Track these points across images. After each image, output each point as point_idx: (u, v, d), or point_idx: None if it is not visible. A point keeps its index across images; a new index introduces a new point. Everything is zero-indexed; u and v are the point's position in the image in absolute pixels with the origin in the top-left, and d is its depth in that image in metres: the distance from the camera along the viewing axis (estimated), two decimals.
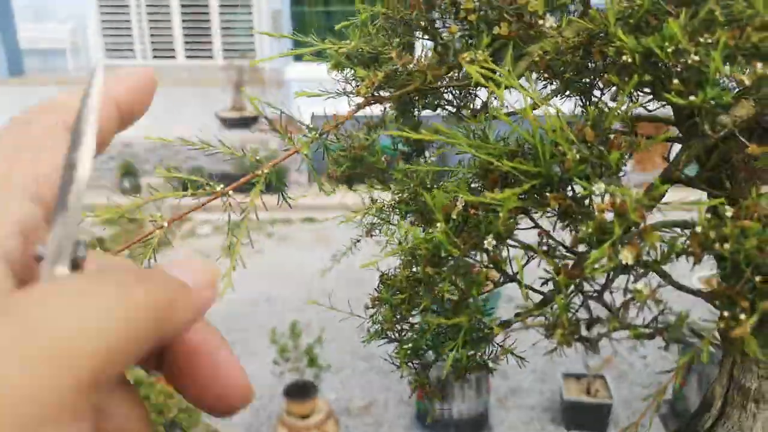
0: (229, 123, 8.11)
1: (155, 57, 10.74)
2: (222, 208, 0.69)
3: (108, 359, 0.27)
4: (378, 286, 0.58)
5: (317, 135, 0.58)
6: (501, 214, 0.47)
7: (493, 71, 0.52)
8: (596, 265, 0.42)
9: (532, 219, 0.51)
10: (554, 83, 0.62)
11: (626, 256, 0.41)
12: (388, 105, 0.93)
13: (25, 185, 0.36)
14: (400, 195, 0.78)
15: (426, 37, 0.61)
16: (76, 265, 0.32)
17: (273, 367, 3.88)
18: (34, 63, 9.92)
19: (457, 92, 0.79)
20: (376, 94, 0.60)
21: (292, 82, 8.05)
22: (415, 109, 0.84)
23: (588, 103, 0.62)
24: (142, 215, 0.71)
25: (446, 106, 0.84)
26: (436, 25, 0.61)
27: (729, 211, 0.45)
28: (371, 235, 0.86)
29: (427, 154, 1.05)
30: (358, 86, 0.59)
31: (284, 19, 9.97)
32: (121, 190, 7.28)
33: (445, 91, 0.83)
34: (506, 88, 0.51)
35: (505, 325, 0.49)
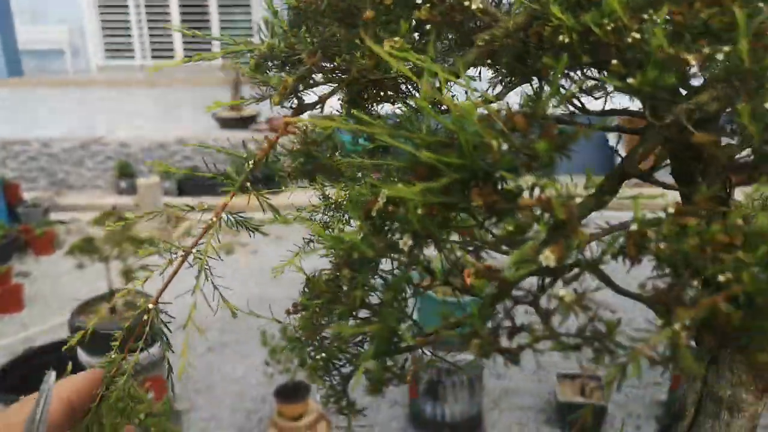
0: (227, 123, 8.06)
1: (154, 57, 10.71)
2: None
3: None
4: (303, 290, 0.53)
5: (273, 141, 0.54)
6: (419, 211, 0.42)
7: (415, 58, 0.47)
8: (516, 268, 0.37)
9: (454, 224, 0.46)
10: (499, 72, 0.57)
11: (547, 257, 0.36)
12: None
13: None
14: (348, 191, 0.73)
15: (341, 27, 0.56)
16: None
17: (264, 369, 3.83)
18: (32, 64, 9.88)
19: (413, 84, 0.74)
20: (302, 100, 0.55)
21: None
22: (367, 103, 0.79)
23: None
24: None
25: (402, 100, 0.79)
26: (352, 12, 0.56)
27: (671, 207, 0.40)
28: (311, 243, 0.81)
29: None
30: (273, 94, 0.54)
31: (282, 17, 9.91)
32: (118, 191, 7.25)
33: (400, 82, 0.78)
34: (434, 76, 0.46)
35: (422, 338, 0.44)
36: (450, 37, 0.84)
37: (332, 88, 0.56)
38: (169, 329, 0.69)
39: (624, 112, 0.68)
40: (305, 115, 0.66)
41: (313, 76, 0.55)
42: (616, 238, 0.40)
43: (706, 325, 0.40)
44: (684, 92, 0.52)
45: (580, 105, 0.68)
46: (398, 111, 0.61)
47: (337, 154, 0.86)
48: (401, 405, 4.08)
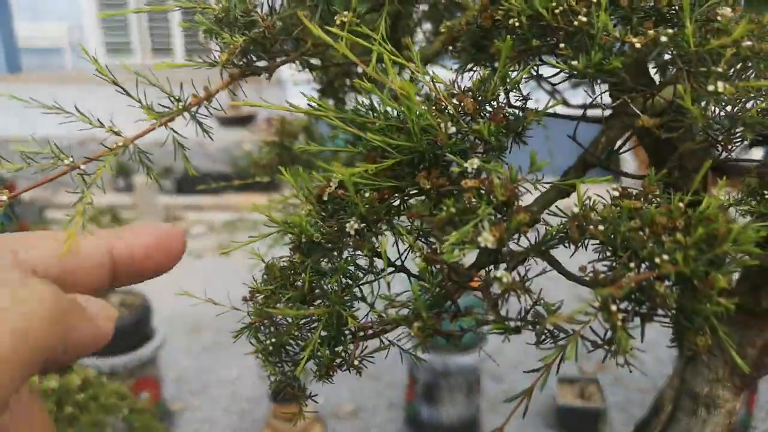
0: (226, 122, 8.06)
1: (154, 55, 10.72)
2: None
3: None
4: (262, 277, 0.53)
5: (181, 108, 0.53)
6: (367, 195, 0.42)
7: (368, 37, 0.47)
8: (456, 250, 0.36)
9: (403, 208, 0.46)
10: (460, 58, 0.56)
11: (486, 238, 0.36)
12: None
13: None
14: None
15: None
16: None
17: (259, 371, 3.83)
18: (32, 61, 9.89)
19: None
20: (251, 65, 0.55)
21: (288, 80, 8.01)
22: (339, 93, 0.79)
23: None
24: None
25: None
26: None
27: (616, 191, 0.40)
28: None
29: None
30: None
31: None
32: (116, 189, 7.26)
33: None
34: (379, 60, 0.45)
35: (361, 329, 0.44)
36: (428, 28, 0.84)
37: (282, 60, 0.55)
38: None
39: (597, 105, 0.68)
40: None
41: (271, 47, 0.54)
42: (561, 223, 0.40)
43: (679, 324, 0.40)
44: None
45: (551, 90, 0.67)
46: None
47: (311, 144, 0.85)
48: (398, 408, 4.07)
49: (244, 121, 8.01)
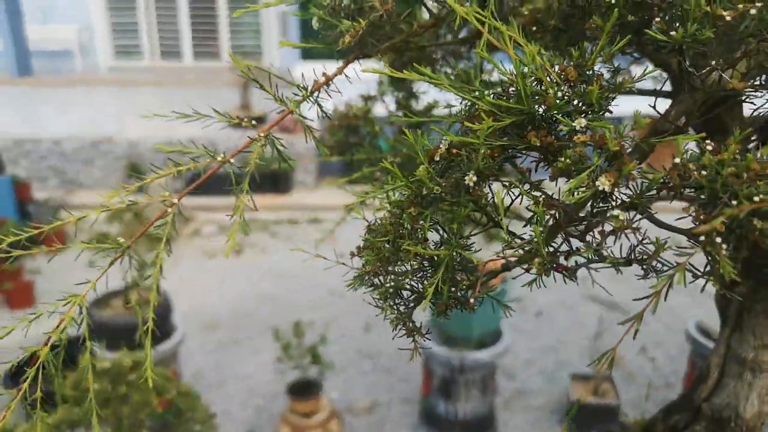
0: (236, 123, 8.11)
1: (163, 58, 10.80)
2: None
3: None
4: (364, 235, 0.58)
5: (308, 94, 0.58)
6: (481, 151, 0.47)
7: (482, 21, 0.52)
8: (574, 194, 0.42)
9: (513, 164, 0.51)
10: (545, 38, 0.62)
11: (603, 182, 0.41)
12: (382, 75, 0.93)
13: None
14: (393, 160, 0.78)
15: None
16: None
17: (276, 366, 3.88)
18: (42, 64, 9.97)
19: (450, 56, 0.80)
20: (364, 49, 0.60)
21: (300, 78, 8.06)
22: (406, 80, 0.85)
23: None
24: (151, 197, 0.72)
25: (441, 70, 0.84)
26: None
27: (709, 146, 0.45)
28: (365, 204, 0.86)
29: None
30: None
31: (292, 20, 10.01)
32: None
33: (437, 54, 0.83)
34: (497, 31, 0.51)
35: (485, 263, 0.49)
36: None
37: (390, 42, 0.60)
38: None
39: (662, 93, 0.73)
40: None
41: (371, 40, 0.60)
42: (660, 174, 0.45)
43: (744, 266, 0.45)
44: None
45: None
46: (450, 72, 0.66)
47: (377, 128, 0.91)
48: (413, 403, 4.11)
49: (255, 122, 8.07)
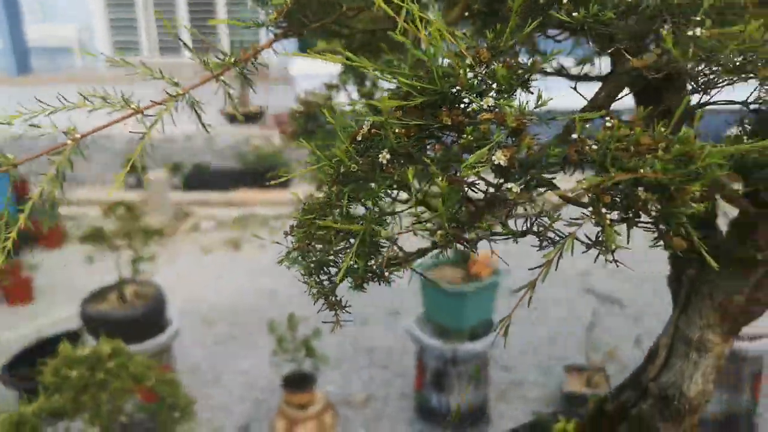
0: (234, 118, 8.15)
1: (162, 54, 10.85)
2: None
3: None
4: (297, 213, 0.60)
5: (232, 61, 0.60)
6: (396, 131, 0.49)
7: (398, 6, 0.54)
8: (472, 168, 0.44)
9: (436, 138, 0.53)
10: (476, 23, 0.64)
11: (499, 157, 0.43)
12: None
13: None
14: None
15: None
16: None
17: (272, 359, 3.90)
18: (41, 61, 10.01)
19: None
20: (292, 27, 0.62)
21: (298, 77, 8.09)
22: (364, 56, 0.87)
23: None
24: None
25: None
26: None
27: (609, 122, 0.47)
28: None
29: None
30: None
31: None
32: (127, 186, 7.35)
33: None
34: (413, 19, 0.53)
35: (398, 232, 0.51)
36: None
37: (320, 23, 0.62)
38: None
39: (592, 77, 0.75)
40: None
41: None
42: (557, 149, 0.47)
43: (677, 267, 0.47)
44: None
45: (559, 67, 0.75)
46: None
47: (334, 113, 0.93)
48: (409, 397, 4.14)
49: (252, 118, 8.10)
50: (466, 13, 0.63)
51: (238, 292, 5.39)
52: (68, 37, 10.45)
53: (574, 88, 0.63)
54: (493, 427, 3.95)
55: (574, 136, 0.46)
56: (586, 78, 0.64)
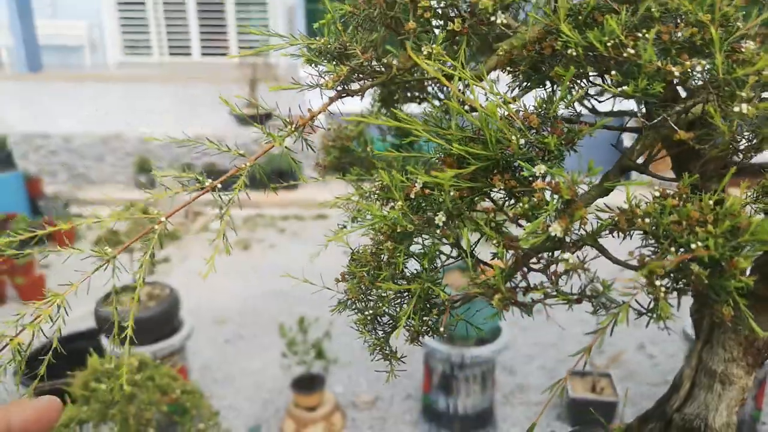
0: (243, 120, 8.18)
1: (171, 54, 10.87)
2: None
3: None
4: (348, 262, 0.63)
5: (293, 129, 0.63)
6: (451, 193, 0.52)
7: (450, 65, 0.57)
8: (529, 238, 0.46)
9: (492, 200, 0.56)
10: (517, 77, 0.66)
11: (555, 228, 0.46)
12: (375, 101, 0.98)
13: None
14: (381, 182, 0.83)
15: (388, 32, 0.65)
16: None
17: (281, 361, 3.93)
18: (52, 59, 10.05)
19: (438, 86, 0.84)
20: (347, 88, 0.64)
21: (306, 79, 8.10)
22: (397, 103, 0.89)
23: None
24: (151, 211, 0.77)
25: (431, 99, 0.89)
26: (397, 22, 0.65)
27: (656, 192, 0.50)
28: (356, 221, 0.90)
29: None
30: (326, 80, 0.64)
31: (298, 16, 10.05)
32: (137, 185, 7.39)
33: (427, 84, 0.87)
34: (460, 80, 0.55)
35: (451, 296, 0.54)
36: (471, 44, 0.94)
37: (371, 82, 0.65)
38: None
39: (626, 113, 0.78)
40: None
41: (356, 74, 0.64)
42: (611, 217, 0.50)
43: (700, 301, 0.49)
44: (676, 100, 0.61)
45: (590, 107, 0.77)
46: (428, 110, 0.71)
47: (368, 149, 0.96)
48: (414, 399, 4.17)
49: (261, 119, 8.12)
50: (508, 68, 0.66)
51: (248, 293, 5.42)
52: (79, 35, 10.49)
53: (614, 146, 0.65)
54: (498, 431, 3.98)
55: (624, 205, 0.49)
56: (627, 129, 0.66)
